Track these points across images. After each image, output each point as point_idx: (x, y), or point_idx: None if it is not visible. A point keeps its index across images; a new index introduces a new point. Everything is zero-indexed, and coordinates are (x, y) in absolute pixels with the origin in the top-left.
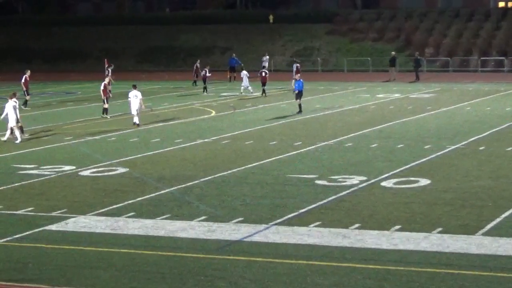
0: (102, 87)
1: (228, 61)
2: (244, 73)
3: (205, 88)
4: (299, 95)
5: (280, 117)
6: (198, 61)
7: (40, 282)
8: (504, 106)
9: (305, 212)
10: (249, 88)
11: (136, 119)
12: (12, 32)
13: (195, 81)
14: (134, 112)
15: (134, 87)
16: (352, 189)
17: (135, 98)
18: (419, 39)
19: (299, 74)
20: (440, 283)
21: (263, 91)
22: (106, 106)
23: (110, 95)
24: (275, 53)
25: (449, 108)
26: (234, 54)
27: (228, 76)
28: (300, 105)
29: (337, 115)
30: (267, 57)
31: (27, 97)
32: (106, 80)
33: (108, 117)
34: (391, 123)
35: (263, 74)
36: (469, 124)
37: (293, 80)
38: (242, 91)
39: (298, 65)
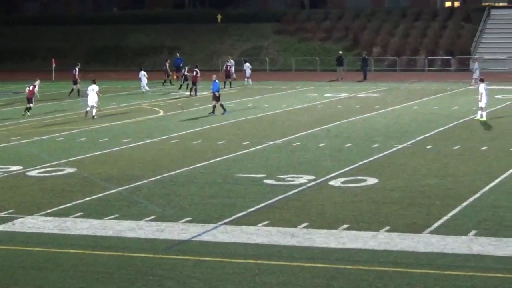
0: (30, 88)
1: (173, 61)
2: (142, 73)
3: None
4: (214, 96)
5: (229, 117)
6: (168, 61)
7: None
8: (451, 105)
9: (253, 212)
10: (144, 88)
11: (93, 111)
12: None
13: (169, 80)
14: (92, 104)
15: (93, 81)
16: (300, 188)
17: (92, 91)
18: (367, 38)
19: (215, 75)
20: (388, 281)
21: (194, 90)
22: (30, 105)
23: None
24: (224, 53)
25: (397, 107)
26: (178, 54)
27: (175, 76)
28: (214, 107)
29: (285, 114)
30: (232, 61)
31: None
32: (37, 82)
33: (29, 114)
34: (339, 122)
35: (194, 73)
36: (417, 123)
37: (246, 79)
38: (143, 90)
39: (229, 64)
